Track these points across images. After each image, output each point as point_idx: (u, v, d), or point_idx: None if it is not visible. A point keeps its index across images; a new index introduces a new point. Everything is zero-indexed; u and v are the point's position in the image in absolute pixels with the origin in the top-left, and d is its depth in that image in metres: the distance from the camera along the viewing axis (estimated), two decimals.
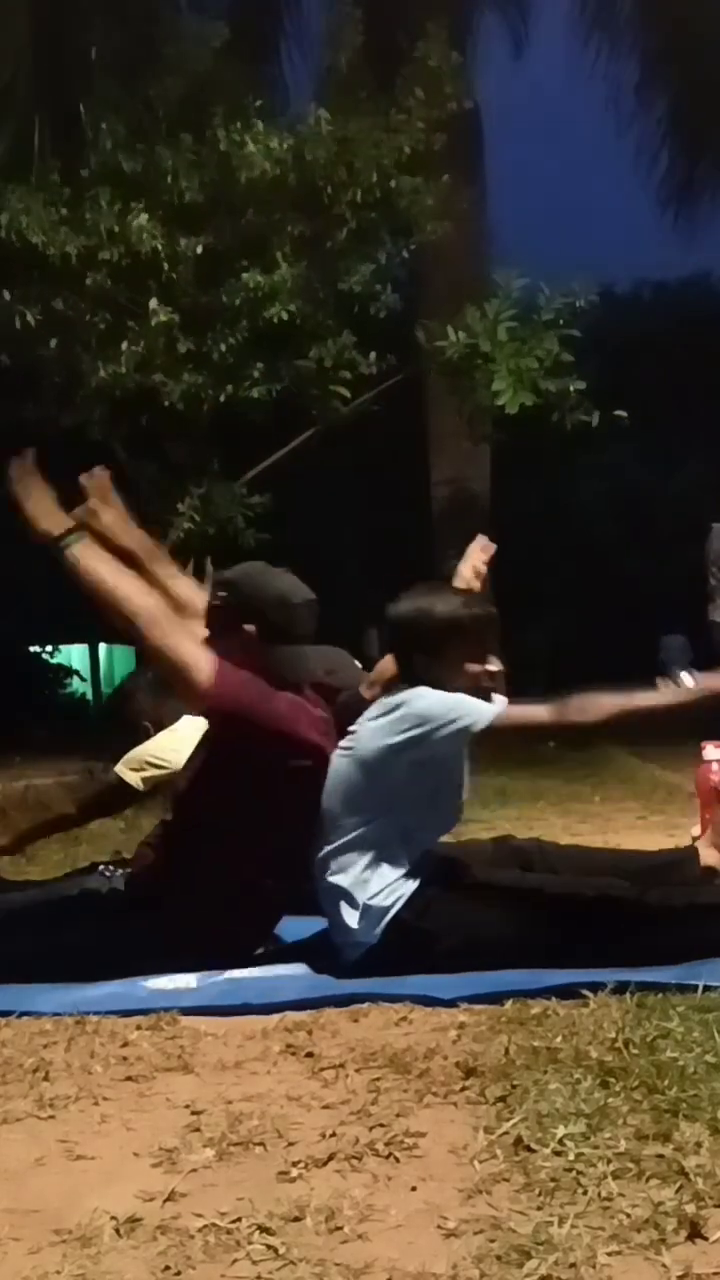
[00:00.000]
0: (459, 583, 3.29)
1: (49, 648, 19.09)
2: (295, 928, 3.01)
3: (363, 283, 7.85)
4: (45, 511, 2.82)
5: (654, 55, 12.11)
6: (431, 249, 8.49)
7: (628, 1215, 1.50)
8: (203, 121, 7.54)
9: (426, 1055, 2.16)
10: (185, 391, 7.41)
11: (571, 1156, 1.67)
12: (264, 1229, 1.52)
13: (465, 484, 10.65)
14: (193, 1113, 1.97)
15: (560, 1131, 1.74)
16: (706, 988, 2.39)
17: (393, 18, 8.88)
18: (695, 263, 20.27)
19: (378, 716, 2.81)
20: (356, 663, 3.43)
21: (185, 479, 7.85)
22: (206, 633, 2.93)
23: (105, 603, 2.75)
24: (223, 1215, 1.56)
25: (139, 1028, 2.44)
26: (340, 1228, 1.52)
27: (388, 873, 2.79)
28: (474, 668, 2.85)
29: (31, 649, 18.66)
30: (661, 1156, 1.66)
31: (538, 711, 2.80)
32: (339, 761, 2.85)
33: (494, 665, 2.89)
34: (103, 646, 20.04)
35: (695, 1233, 1.45)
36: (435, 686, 2.78)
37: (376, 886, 2.78)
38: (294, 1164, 1.73)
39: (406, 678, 2.87)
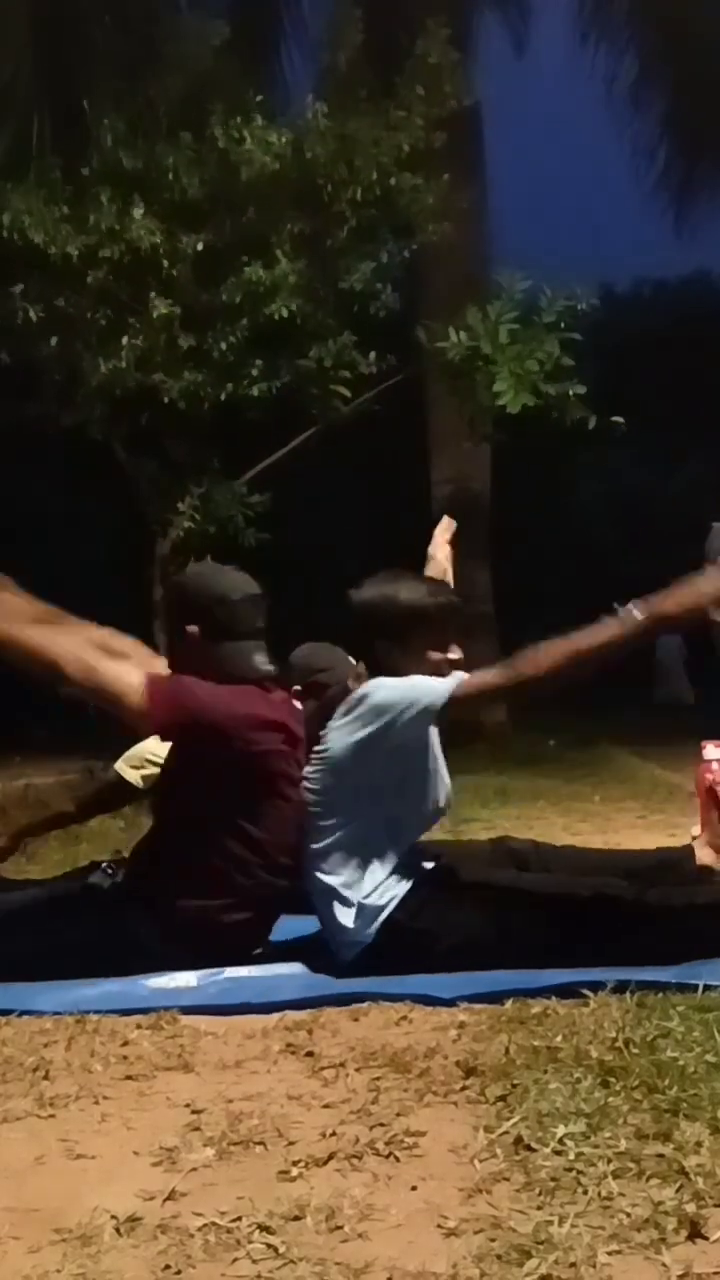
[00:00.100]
0: (434, 567, 3.28)
1: None
2: (295, 927, 3.01)
3: (363, 281, 7.84)
4: None
5: (652, 54, 12.10)
6: (432, 248, 8.48)
7: (628, 1215, 1.50)
8: (203, 120, 7.54)
9: (427, 1054, 2.16)
10: (185, 390, 7.40)
11: (572, 1156, 1.67)
12: (264, 1228, 1.52)
13: (465, 483, 10.64)
14: (193, 1112, 1.97)
15: (560, 1131, 1.74)
16: (707, 987, 2.39)
17: (393, 17, 8.87)
18: (696, 261, 20.32)
19: (342, 717, 2.82)
20: (351, 658, 3.43)
21: (185, 478, 7.84)
22: (164, 669, 2.96)
23: (25, 657, 2.75)
24: (223, 1214, 1.57)
25: (139, 1027, 2.44)
26: (340, 1227, 1.52)
27: (379, 871, 2.79)
28: (436, 655, 2.86)
29: None
30: (662, 1156, 1.66)
31: (491, 675, 2.77)
32: (315, 767, 2.87)
33: (455, 654, 2.90)
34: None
35: (695, 1232, 1.45)
36: (396, 673, 2.79)
37: (369, 885, 2.78)
38: (294, 1163, 1.73)
39: (368, 663, 2.88)
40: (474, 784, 6.91)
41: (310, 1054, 2.24)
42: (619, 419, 7.97)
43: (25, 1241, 1.54)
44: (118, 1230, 1.54)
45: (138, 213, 7.20)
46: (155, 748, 3.70)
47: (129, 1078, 2.16)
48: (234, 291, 7.38)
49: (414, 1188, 1.64)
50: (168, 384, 7.36)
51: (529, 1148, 1.71)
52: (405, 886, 2.79)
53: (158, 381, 7.36)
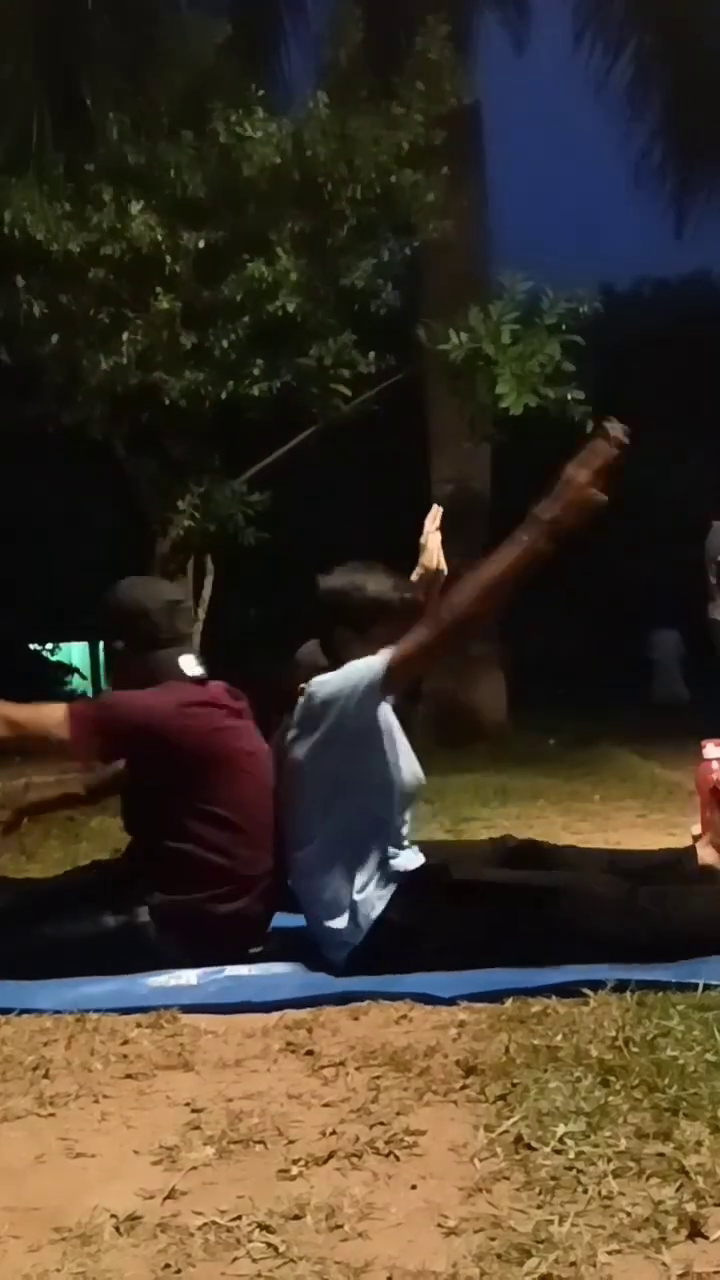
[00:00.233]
0: (428, 557, 3.28)
1: (49, 645, 19.09)
2: (294, 926, 3.00)
3: (364, 278, 7.83)
4: None
5: (651, 54, 12.10)
6: (432, 246, 8.48)
7: (628, 1214, 1.50)
8: (204, 117, 7.53)
9: (427, 1053, 2.16)
10: (186, 388, 7.40)
11: (572, 1155, 1.67)
12: (264, 1227, 1.52)
13: (466, 483, 10.63)
14: (193, 1110, 1.97)
15: (560, 1130, 1.74)
16: (706, 986, 2.39)
17: (393, 15, 8.87)
18: (696, 261, 20.31)
19: (295, 728, 2.85)
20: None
21: (185, 476, 7.84)
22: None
23: None
24: (223, 1213, 1.57)
25: (139, 1025, 2.45)
26: (340, 1226, 1.52)
27: (365, 868, 2.79)
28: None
29: (32, 647, 18.67)
30: (662, 1155, 1.66)
31: (418, 633, 2.75)
32: (284, 777, 2.88)
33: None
34: (103, 645, 20.03)
35: (695, 1231, 1.45)
36: (347, 661, 2.80)
37: (359, 884, 2.78)
38: (294, 1162, 1.73)
39: (325, 649, 2.89)
40: (474, 783, 6.92)
41: (310, 1053, 2.24)
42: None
43: (25, 1240, 1.54)
44: (118, 1229, 1.54)
45: (139, 210, 7.20)
46: None
47: (129, 1076, 2.16)
48: (235, 288, 7.38)
49: (414, 1187, 1.64)
50: (168, 383, 7.36)
51: (529, 1147, 1.71)
52: (394, 884, 2.79)
53: (158, 380, 7.36)
